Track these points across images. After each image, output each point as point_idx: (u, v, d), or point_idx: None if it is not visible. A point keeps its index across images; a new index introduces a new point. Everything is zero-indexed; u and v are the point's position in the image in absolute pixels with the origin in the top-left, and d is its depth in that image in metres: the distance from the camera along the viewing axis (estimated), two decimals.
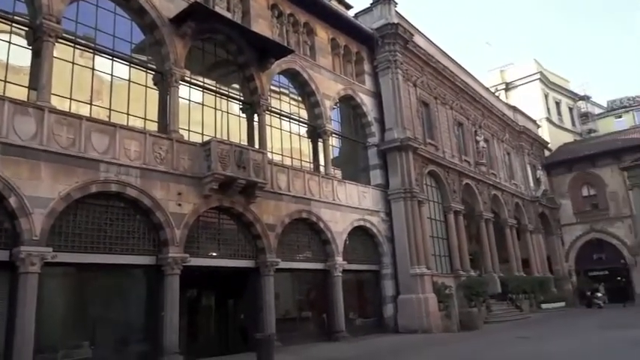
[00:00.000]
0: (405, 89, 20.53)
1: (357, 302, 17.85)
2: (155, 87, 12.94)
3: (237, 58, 15.00)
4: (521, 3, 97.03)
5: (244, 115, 15.25)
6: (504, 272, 25.29)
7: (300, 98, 17.41)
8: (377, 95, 19.92)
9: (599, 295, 28.57)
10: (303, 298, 16.50)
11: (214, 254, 13.16)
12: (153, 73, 12.93)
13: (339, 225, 16.55)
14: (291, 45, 16.57)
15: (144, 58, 13.01)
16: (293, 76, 16.92)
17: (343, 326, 15.66)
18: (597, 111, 47.49)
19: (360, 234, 17.82)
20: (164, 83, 12.83)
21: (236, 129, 14.80)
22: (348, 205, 17.17)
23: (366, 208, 17.96)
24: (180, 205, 11.95)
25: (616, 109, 46.26)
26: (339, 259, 16.14)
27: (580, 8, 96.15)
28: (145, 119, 12.39)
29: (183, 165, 12.30)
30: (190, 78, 13.65)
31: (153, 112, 12.68)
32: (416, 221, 18.54)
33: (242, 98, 15.25)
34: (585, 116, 46.11)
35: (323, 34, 18.29)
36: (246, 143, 14.40)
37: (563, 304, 28.61)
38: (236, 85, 15.36)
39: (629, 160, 30.98)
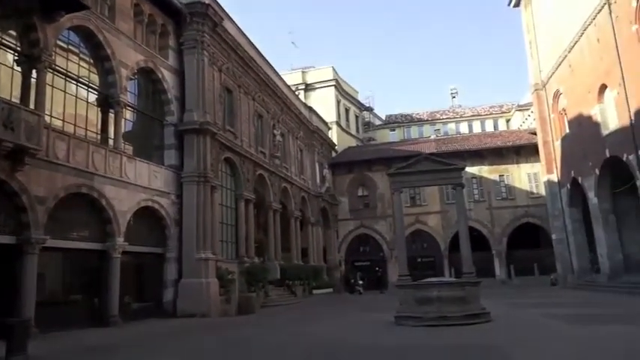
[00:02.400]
0: (210, 72, 20.31)
1: (136, 286, 17.02)
2: None
3: (17, 0, 12.79)
4: (328, 9, 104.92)
5: (19, 69, 13.09)
6: (285, 260, 27.12)
7: (92, 61, 15.74)
8: (180, 73, 19.24)
9: (361, 282, 32.82)
10: (74, 280, 14.98)
11: None
12: None
13: (124, 204, 15.52)
14: (87, 0, 14.83)
15: None
16: (87, 35, 15.18)
17: (117, 311, 14.75)
18: (377, 122, 54.40)
19: (147, 215, 17.03)
20: None
21: (7, 83, 12.63)
22: (136, 184, 16.21)
23: (157, 188, 17.24)
24: None
25: (391, 123, 53.71)
26: (120, 240, 15.16)
27: (375, 28, 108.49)
28: None
29: None
30: None
31: None
32: (207, 206, 18.54)
33: (19, 49, 13.06)
34: (367, 125, 52.46)
35: None
36: (18, 101, 12.40)
37: (331, 290, 32.06)
38: (13, 32, 13.07)
39: (394, 168, 36.23)
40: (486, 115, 51.90)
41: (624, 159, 21.65)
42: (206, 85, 19.49)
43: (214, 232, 19.11)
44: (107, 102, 15.81)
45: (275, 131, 28.03)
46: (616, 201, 24.53)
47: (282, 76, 31.56)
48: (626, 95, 21.02)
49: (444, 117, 53.28)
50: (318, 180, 35.42)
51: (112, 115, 15.94)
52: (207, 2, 19.52)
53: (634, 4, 19.88)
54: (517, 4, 33.84)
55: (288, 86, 33.23)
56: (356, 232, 38.20)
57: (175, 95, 18.91)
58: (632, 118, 20.69)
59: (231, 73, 22.78)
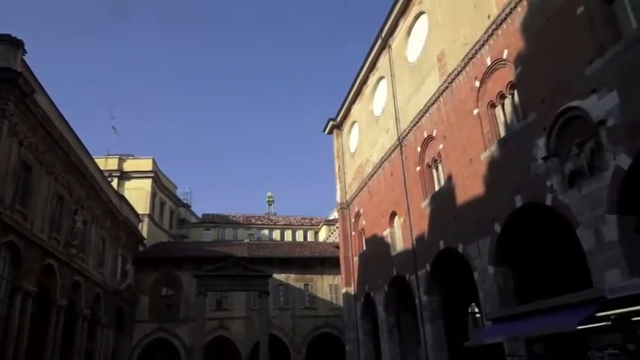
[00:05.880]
0: (7, 144, 18.06)
1: None
2: None
3: None
4: (155, 103, 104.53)
5: None
6: None
7: None
8: None
9: None
10: None
11: None
12: None
13: None
14: None
15: None
16: None
17: None
18: (193, 220, 53.45)
19: None
20: None
21: None
22: None
23: None
24: None
25: (207, 222, 53.32)
26: None
27: (203, 130, 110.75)
28: None
29: None
30: None
31: None
32: None
33: None
34: (182, 222, 51.10)
35: None
36: None
37: None
38: None
39: (203, 270, 35.37)
40: (298, 225, 55.20)
41: (407, 279, 24.75)
42: None
43: None
44: None
45: (77, 217, 25.40)
46: (400, 316, 27.44)
47: (95, 160, 29.55)
48: (410, 223, 24.66)
49: (259, 222, 55.05)
50: (118, 275, 32.37)
51: None
52: (19, 71, 17.94)
53: (418, 149, 24.23)
54: (330, 132, 38.36)
55: (101, 171, 31.08)
56: (153, 336, 34.90)
57: None
58: (414, 243, 24.15)
59: (34, 148, 20.55)
